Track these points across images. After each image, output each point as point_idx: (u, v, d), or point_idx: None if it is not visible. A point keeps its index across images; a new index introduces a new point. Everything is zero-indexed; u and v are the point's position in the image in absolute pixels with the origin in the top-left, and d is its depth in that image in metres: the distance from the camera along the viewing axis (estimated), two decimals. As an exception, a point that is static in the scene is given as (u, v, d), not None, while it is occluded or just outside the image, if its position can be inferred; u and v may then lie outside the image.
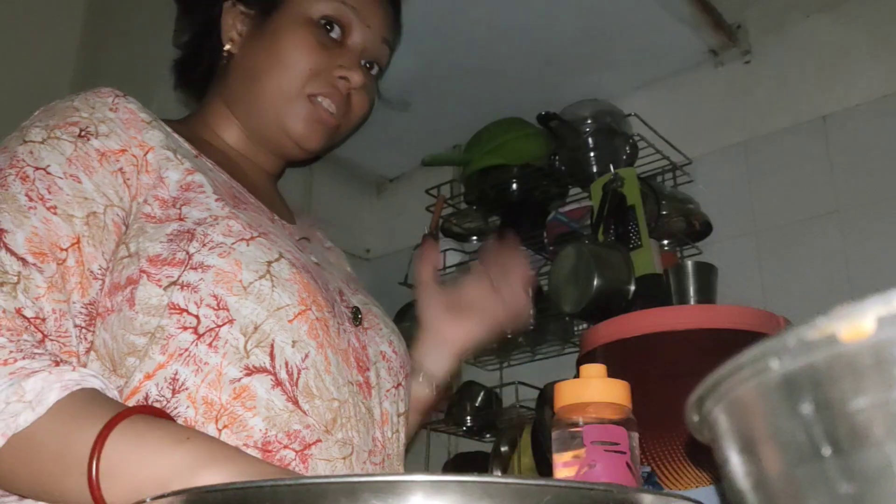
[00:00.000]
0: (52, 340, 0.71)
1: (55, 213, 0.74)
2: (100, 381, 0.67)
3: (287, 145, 0.96)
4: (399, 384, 0.91)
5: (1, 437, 0.61)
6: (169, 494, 0.38)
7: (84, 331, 0.74)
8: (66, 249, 0.74)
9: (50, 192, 0.75)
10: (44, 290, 0.71)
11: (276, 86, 0.93)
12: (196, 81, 1.03)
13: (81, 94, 0.84)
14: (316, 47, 0.94)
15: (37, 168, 0.76)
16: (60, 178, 0.76)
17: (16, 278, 0.70)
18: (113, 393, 0.68)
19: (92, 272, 0.75)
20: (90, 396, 0.65)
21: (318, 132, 0.95)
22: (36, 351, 0.66)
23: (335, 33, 0.96)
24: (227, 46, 0.97)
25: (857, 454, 0.26)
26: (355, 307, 0.89)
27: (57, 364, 0.65)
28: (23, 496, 0.68)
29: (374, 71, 1.02)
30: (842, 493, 0.26)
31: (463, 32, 1.68)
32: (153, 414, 0.65)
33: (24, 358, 0.64)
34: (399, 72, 1.10)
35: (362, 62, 0.99)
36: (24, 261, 0.71)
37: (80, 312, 0.74)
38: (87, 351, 0.75)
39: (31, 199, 0.74)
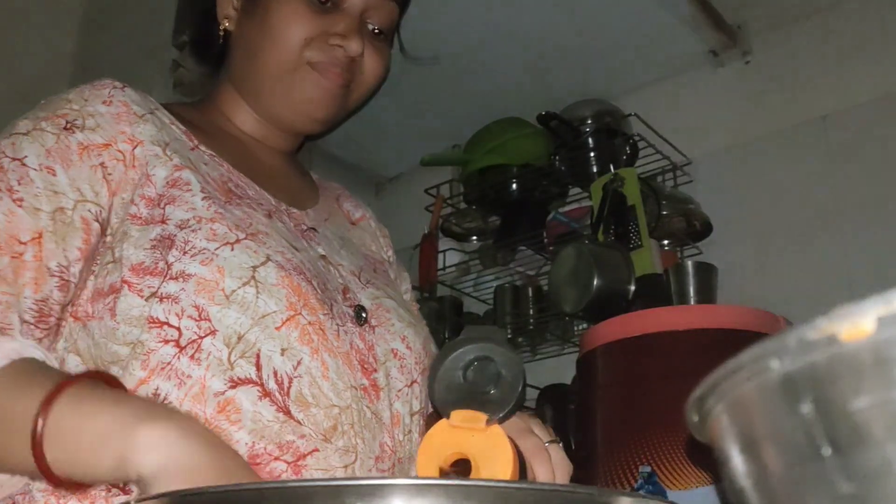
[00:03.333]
0: None
1: (20, 206, 0.73)
2: (41, 351, 0.67)
3: (297, 119, 0.93)
4: (413, 381, 0.86)
5: None
6: (154, 497, 0.38)
7: (32, 327, 0.73)
8: (25, 243, 0.73)
9: (20, 184, 0.74)
10: None
11: (273, 61, 0.90)
12: (211, 65, 0.99)
13: (80, 86, 0.82)
14: (308, 15, 0.89)
15: (13, 159, 0.75)
16: (35, 169, 0.75)
17: None
18: (53, 363, 0.68)
19: (49, 269, 0.74)
20: (32, 366, 0.65)
21: (325, 99, 0.91)
22: None
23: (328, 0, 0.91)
24: (225, 24, 0.94)
25: (857, 454, 0.26)
26: (359, 306, 0.85)
27: None
28: None
29: (379, 31, 0.95)
30: (842, 493, 0.26)
31: (463, 32, 1.68)
32: (101, 379, 0.65)
33: None
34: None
35: (369, 24, 0.94)
36: None
37: (31, 308, 0.72)
38: (49, 347, 0.74)
39: None
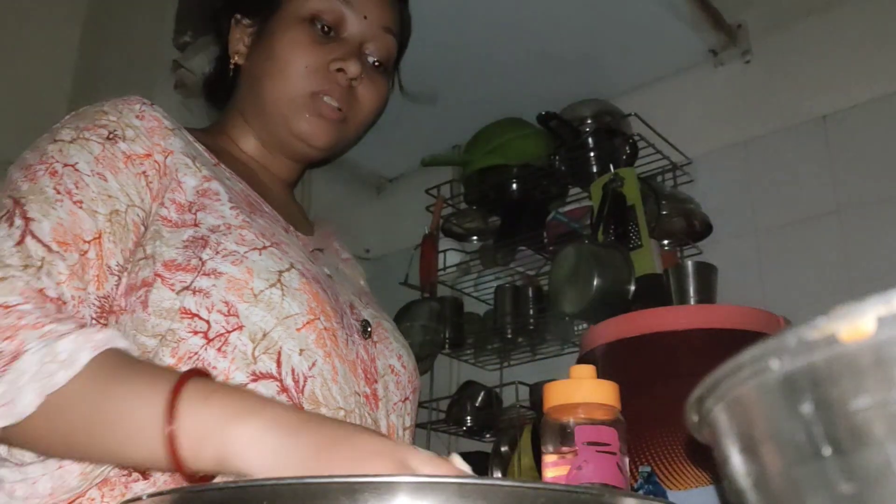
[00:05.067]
0: None
1: (80, 207, 0.77)
2: (125, 340, 0.69)
3: (297, 146, 0.98)
4: (406, 398, 0.92)
5: (38, 396, 0.63)
6: (166, 492, 0.38)
7: (95, 322, 0.76)
8: (88, 242, 0.76)
9: (77, 188, 0.78)
10: (65, 276, 0.73)
11: (277, 88, 0.95)
12: (220, 98, 1.06)
13: (111, 100, 0.87)
14: (309, 44, 0.95)
15: (65, 164, 0.79)
16: (87, 175, 0.79)
17: (40, 263, 0.72)
18: (136, 352, 0.70)
19: (109, 267, 0.77)
20: (121, 357, 0.67)
21: (323, 128, 0.96)
22: (60, 316, 0.69)
23: (330, 29, 0.97)
24: (235, 59, 1.01)
25: (857, 454, 0.26)
26: (364, 320, 0.90)
27: (82, 326, 0.67)
28: (58, 457, 0.69)
29: (378, 64, 1.01)
30: (842, 493, 0.26)
31: (462, 32, 1.68)
32: (200, 375, 0.66)
33: (51, 322, 0.67)
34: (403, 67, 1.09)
35: (368, 57, 0.99)
36: (48, 248, 0.73)
37: (94, 304, 0.76)
38: None
39: (58, 193, 0.77)
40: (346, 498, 0.34)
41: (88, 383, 0.64)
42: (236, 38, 1.01)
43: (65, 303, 0.72)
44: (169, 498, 0.38)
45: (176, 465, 0.61)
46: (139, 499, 0.39)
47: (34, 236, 0.73)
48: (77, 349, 0.64)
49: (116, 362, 0.66)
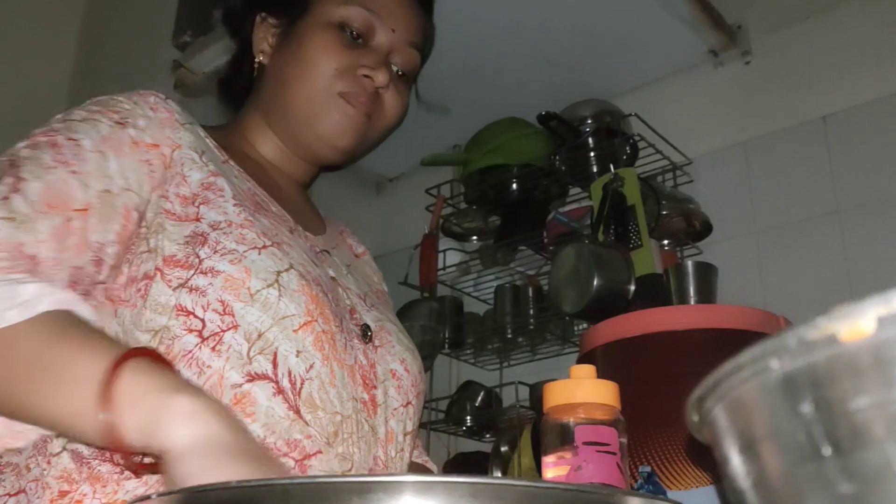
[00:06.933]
0: None
1: (74, 177, 0.76)
2: (90, 311, 0.68)
3: (319, 147, 0.97)
4: (408, 403, 0.91)
5: None
6: (175, 492, 0.38)
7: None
8: (75, 210, 0.75)
9: (76, 159, 0.77)
10: (44, 236, 0.72)
11: (304, 88, 0.95)
12: (235, 96, 1.06)
13: (128, 92, 0.87)
14: (339, 48, 0.95)
15: (69, 139, 0.79)
16: (89, 151, 0.79)
17: (22, 218, 0.71)
18: (98, 325, 0.69)
19: (88, 242, 0.76)
20: (78, 319, 0.66)
21: (348, 130, 0.96)
22: (33, 270, 0.69)
23: (358, 37, 0.97)
24: (259, 58, 1.01)
25: (857, 454, 0.26)
26: (365, 324, 0.89)
27: (51, 283, 0.67)
28: None
29: (402, 74, 1.02)
30: (842, 493, 0.26)
31: (463, 32, 1.68)
32: (152, 357, 0.65)
33: (20, 271, 0.67)
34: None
35: (393, 67, 1.00)
36: (33, 207, 0.73)
37: (68, 270, 0.75)
38: None
39: (55, 162, 0.76)
40: (357, 497, 0.34)
41: (38, 331, 0.63)
42: (260, 36, 1.01)
43: (40, 262, 0.71)
44: (177, 497, 0.38)
45: (105, 415, 0.59)
46: (148, 497, 0.39)
47: (22, 194, 0.73)
48: (38, 297, 0.64)
49: (72, 321, 0.65)
